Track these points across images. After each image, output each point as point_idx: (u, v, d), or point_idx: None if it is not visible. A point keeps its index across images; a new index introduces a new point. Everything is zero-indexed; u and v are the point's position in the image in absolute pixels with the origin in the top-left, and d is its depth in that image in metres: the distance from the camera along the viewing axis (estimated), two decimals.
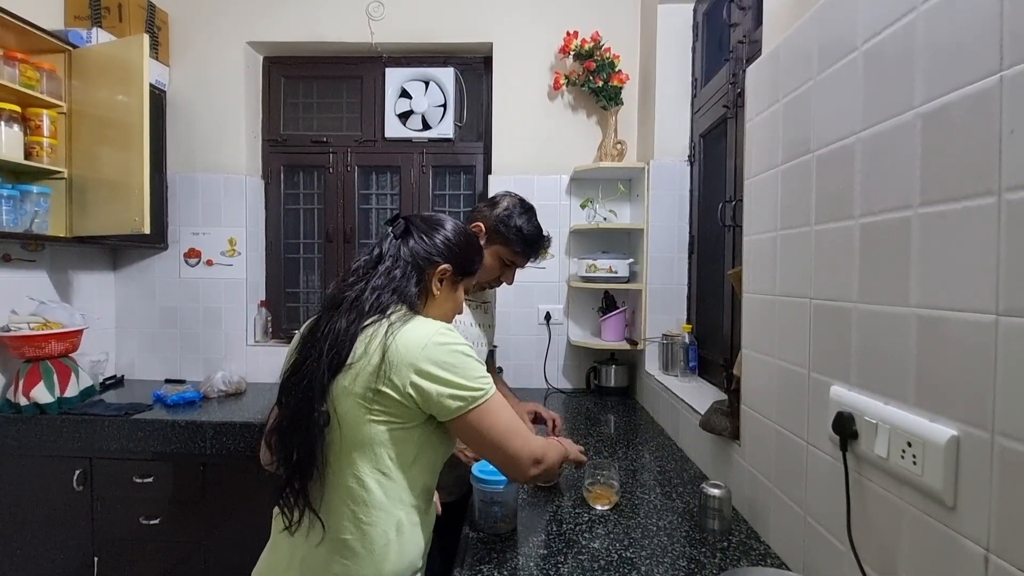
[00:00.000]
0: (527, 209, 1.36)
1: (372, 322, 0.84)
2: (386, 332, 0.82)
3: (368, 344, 0.82)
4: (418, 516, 0.88)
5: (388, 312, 0.86)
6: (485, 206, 1.38)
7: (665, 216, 2.04)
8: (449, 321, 1.00)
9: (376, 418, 0.81)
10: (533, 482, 1.02)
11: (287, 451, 0.83)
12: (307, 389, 0.81)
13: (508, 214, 1.32)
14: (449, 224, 0.99)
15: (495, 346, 1.68)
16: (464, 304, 1.38)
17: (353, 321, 0.84)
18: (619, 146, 2.23)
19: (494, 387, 0.86)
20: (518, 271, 1.41)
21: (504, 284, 1.42)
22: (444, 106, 2.43)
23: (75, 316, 2.01)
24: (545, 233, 1.39)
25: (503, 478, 1.03)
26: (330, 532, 0.82)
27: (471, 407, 0.83)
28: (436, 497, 1.00)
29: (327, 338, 0.83)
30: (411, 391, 0.80)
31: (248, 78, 2.43)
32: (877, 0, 0.72)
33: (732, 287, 1.48)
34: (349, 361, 0.81)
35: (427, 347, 0.81)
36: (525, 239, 1.32)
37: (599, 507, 1.13)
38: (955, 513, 0.58)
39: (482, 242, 1.32)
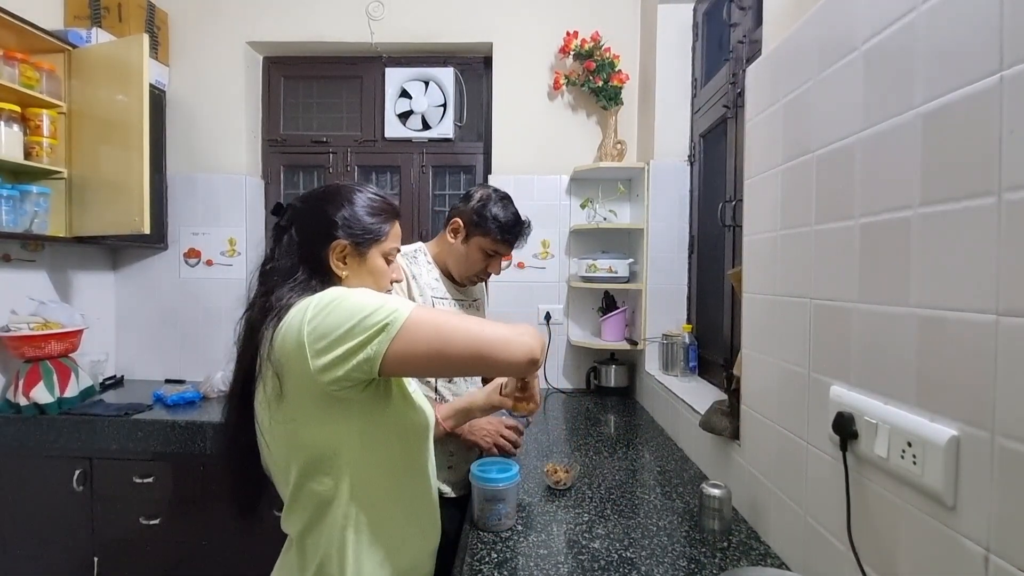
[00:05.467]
0: (502, 197, 1.37)
1: (270, 324, 0.77)
2: (273, 333, 0.75)
3: (268, 350, 0.75)
4: (395, 522, 0.84)
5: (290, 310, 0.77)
6: (460, 201, 1.39)
7: (665, 216, 2.04)
8: None
9: (299, 423, 0.76)
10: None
11: (233, 474, 0.85)
12: (231, 411, 0.82)
13: (483, 204, 1.33)
14: (332, 193, 0.86)
15: None
16: (453, 304, 1.36)
17: (248, 332, 0.80)
18: (619, 146, 2.23)
19: (400, 308, 0.72)
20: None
21: (492, 275, 1.41)
22: (444, 106, 2.42)
23: (75, 316, 2.01)
24: (524, 218, 1.38)
25: (503, 476, 1.03)
26: (295, 539, 0.82)
27: (385, 348, 0.70)
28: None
29: (237, 354, 0.81)
30: (320, 376, 0.71)
31: (248, 78, 2.43)
32: (877, 0, 0.72)
33: (732, 287, 1.48)
34: (256, 372, 0.77)
35: (304, 322, 0.72)
36: (503, 226, 1.32)
37: (552, 483, 1.22)
38: (955, 513, 0.58)
39: (462, 237, 1.33)
